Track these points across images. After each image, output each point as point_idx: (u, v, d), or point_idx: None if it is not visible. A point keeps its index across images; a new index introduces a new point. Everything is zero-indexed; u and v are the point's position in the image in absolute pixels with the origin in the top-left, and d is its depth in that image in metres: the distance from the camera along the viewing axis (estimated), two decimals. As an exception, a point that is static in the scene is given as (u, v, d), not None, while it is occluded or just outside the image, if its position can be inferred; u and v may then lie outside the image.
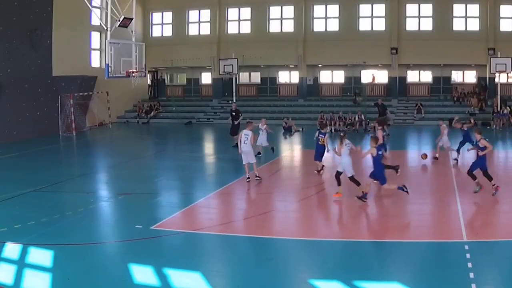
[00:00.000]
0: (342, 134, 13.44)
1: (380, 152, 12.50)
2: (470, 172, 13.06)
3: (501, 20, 31.08)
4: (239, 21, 35.71)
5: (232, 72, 31.66)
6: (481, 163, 13.07)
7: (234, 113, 22.46)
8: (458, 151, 18.05)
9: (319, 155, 15.85)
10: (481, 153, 13.05)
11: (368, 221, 11.40)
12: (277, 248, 9.57)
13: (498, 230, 10.22)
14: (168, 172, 16.64)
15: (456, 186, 13.85)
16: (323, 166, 16.03)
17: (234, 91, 32.28)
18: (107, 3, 18.97)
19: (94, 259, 8.80)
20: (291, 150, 22.94)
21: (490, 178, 12.93)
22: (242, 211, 12.42)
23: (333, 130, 28.17)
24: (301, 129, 28.48)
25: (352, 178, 12.82)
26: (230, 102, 33.24)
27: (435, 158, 18.24)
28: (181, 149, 20.13)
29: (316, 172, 15.87)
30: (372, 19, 33.32)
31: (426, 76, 34.36)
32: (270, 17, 34.98)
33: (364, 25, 33.38)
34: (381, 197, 13.28)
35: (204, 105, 36.08)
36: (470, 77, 33.53)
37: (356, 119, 28.81)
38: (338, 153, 12.96)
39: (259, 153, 18.60)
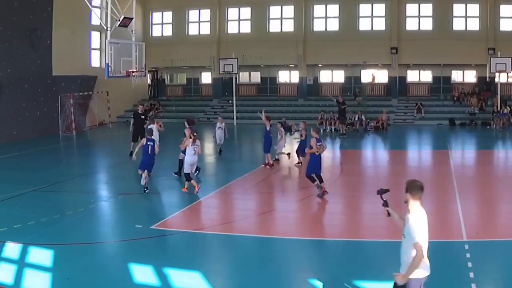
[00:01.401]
0: (195, 134, 13.66)
1: (149, 143, 13.45)
2: (307, 175, 12.83)
3: (501, 20, 31.09)
4: (239, 21, 35.71)
5: (232, 72, 31.66)
6: (312, 166, 12.74)
7: (143, 116, 19.57)
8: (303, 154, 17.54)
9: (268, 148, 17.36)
10: (308, 151, 13.06)
11: (368, 220, 11.39)
12: (277, 248, 9.57)
13: (498, 230, 10.22)
14: (168, 172, 16.61)
15: (456, 186, 13.83)
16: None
17: (234, 91, 32.30)
18: (107, 3, 18.96)
19: (94, 259, 8.80)
20: (291, 150, 22.91)
21: (321, 180, 12.74)
22: (242, 211, 12.41)
23: (333, 130, 28.17)
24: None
25: (186, 175, 13.54)
26: (230, 101, 33.30)
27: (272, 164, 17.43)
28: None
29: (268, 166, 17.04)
30: (372, 19, 33.33)
31: (426, 76, 34.35)
32: (270, 17, 34.97)
33: (364, 25, 33.38)
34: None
35: (204, 104, 36.08)
36: (470, 77, 33.54)
37: (356, 119, 28.80)
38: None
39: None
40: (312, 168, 12.77)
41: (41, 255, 8.78)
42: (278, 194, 14.06)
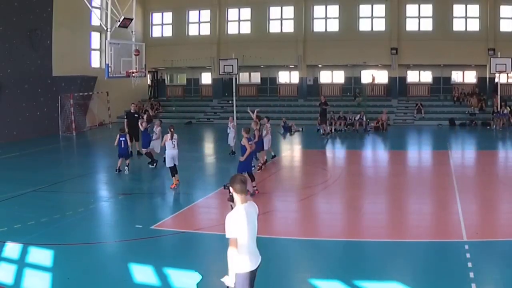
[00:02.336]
0: (172, 129, 14.58)
1: (122, 139, 16.31)
2: (240, 172, 12.82)
3: (501, 20, 31.11)
4: (239, 21, 35.73)
5: (232, 72, 31.63)
6: (242, 164, 12.99)
7: (136, 115, 19.68)
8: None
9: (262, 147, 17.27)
10: (242, 158, 13.19)
11: (368, 221, 11.39)
12: (277, 248, 9.56)
13: (498, 230, 10.21)
14: (168, 172, 16.62)
15: (456, 186, 13.83)
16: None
17: (234, 91, 32.27)
18: (107, 3, 18.98)
19: (94, 259, 8.80)
20: (291, 150, 22.94)
21: (252, 179, 12.99)
22: (242, 211, 12.38)
23: (333, 130, 28.16)
24: (301, 129, 28.50)
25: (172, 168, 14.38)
26: (230, 102, 33.29)
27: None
28: (181, 149, 20.10)
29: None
30: (372, 19, 33.33)
31: (426, 76, 34.36)
32: (270, 17, 34.99)
33: (364, 25, 33.39)
34: (381, 197, 13.28)
35: (204, 105, 36.09)
36: (470, 77, 33.55)
37: (357, 118, 28.80)
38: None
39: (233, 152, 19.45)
40: (244, 166, 13.01)
41: (41, 255, 8.78)
42: (278, 194, 14.04)
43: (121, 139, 16.46)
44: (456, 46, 30.68)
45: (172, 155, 14.27)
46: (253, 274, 5.53)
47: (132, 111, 19.97)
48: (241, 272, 5.44)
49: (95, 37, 32.07)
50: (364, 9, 33.34)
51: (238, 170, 12.99)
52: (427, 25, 32.31)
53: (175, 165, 14.21)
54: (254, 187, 13.02)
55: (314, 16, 34.38)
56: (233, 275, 5.43)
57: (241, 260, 5.41)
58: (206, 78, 37.84)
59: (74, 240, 9.71)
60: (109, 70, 18.36)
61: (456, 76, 33.95)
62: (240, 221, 5.38)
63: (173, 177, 14.23)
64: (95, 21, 28.64)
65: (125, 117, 20.50)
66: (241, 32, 35.54)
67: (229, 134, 19.63)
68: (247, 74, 36.93)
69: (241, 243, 5.36)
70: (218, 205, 13.14)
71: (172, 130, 14.49)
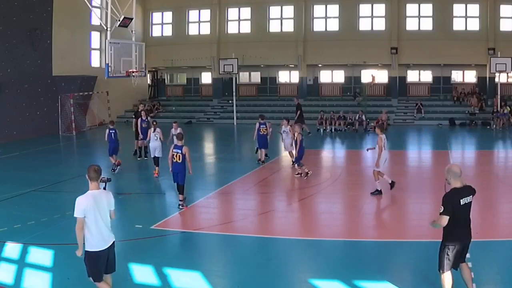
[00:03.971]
0: (154, 123, 16.23)
1: (111, 131, 16.19)
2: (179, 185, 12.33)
3: (501, 20, 31.09)
4: (239, 21, 35.71)
5: (232, 72, 31.67)
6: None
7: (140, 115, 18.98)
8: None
9: (263, 144, 17.58)
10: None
11: (368, 221, 11.40)
12: (277, 248, 9.57)
13: (498, 230, 10.21)
14: (168, 172, 16.61)
15: (456, 186, 13.80)
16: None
17: (234, 91, 32.30)
18: (107, 3, 18.95)
19: (94, 259, 8.78)
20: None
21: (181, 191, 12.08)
22: (242, 211, 12.41)
23: (333, 130, 28.16)
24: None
25: (155, 159, 15.79)
26: (230, 101, 33.30)
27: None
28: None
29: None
30: (372, 19, 33.32)
31: (426, 76, 34.34)
32: (270, 17, 34.97)
33: (364, 25, 33.38)
34: (380, 197, 13.27)
35: (204, 105, 36.08)
36: (470, 77, 33.54)
37: (357, 118, 28.78)
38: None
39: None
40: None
41: (41, 255, 8.79)
42: (278, 194, 14.05)
43: (111, 131, 16.38)
44: (456, 46, 30.65)
45: (154, 147, 15.77)
46: (100, 254, 6.36)
47: (139, 110, 20.09)
48: (88, 250, 6.28)
49: (95, 36, 32.07)
50: (364, 9, 33.33)
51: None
52: (427, 25, 32.29)
53: (157, 157, 15.53)
54: (180, 201, 12.14)
55: (314, 16, 34.37)
56: (80, 248, 6.32)
57: (88, 240, 6.26)
58: (206, 78, 37.83)
59: (74, 240, 9.63)
60: (109, 70, 18.35)
61: (456, 76, 33.94)
62: (86, 204, 6.20)
63: (157, 167, 15.48)
64: (95, 20, 28.65)
65: (133, 116, 21.32)
66: (241, 31, 35.53)
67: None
68: (247, 73, 36.93)
69: (88, 225, 6.22)
70: (218, 205, 13.16)
71: (154, 124, 16.06)
